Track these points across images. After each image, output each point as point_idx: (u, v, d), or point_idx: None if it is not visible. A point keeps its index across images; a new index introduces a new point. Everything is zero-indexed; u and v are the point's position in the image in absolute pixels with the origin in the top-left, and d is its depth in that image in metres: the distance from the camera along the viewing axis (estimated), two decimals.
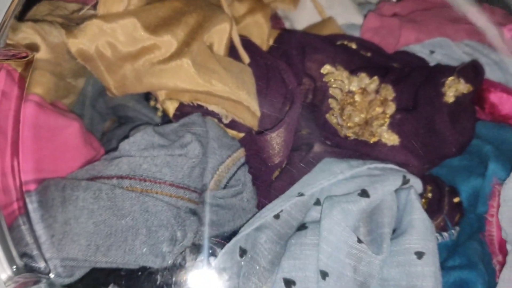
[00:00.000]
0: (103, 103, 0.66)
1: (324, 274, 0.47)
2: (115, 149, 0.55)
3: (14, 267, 0.44)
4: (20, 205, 0.46)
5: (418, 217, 0.48)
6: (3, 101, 0.43)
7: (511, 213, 0.47)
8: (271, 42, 0.69)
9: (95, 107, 0.66)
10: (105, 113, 0.67)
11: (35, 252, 0.46)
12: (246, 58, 0.60)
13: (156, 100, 0.61)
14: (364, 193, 0.49)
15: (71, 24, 0.55)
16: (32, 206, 0.46)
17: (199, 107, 0.56)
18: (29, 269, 0.45)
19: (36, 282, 0.45)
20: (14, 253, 0.45)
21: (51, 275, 0.46)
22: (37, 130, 0.48)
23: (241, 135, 0.58)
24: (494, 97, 0.58)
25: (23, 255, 0.46)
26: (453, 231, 0.53)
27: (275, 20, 0.76)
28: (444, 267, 0.50)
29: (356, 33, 0.70)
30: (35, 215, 0.46)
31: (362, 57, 0.63)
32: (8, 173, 0.45)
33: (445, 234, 0.53)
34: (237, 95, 0.56)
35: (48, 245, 0.47)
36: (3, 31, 0.41)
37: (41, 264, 0.46)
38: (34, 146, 0.47)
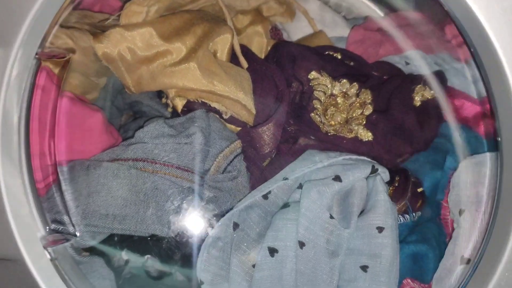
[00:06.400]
0: (121, 99, 0.76)
1: (301, 244, 0.57)
2: (131, 137, 0.65)
3: (47, 228, 0.55)
4: (54, 179, 0.56)
5: (381, 199, 0.57)
6: (43, 95, 0.53)
7: (456, 197, 0.56)
8: (268, 49, 0.79)
9: (114, 102, 0.76)
10: (122, 108, 0.77)
11: (64, 218, 0.56)
12: (244, 63, 0.70)
13: (167, 97, 0.71)
14: (337, 178, 0.59)
15: (97, 31, 0.65)
16: (62, 180, 0.57)
17: (203, 104, 0.66)
18: (59, 231, 0.56)
19: (65, 241, 0.55)
20: (48, 218, 0.55)
21: (77, 237, 0.56)
22: (69, 119, 0.58)
23: (238, 129, 0.67)
24: (457, 102, 0.68)
25: (54, 220, 0.56)
26: (413, 214, 0.62)
27: (275, 31, 0.86)
28: (403, 242, 0.60)
29: (344, 45, 0.79)
30: (65, 188, 0.57)
31: (346, 65, 0.73)
32: (46, 153, 0.55)
33: (406, 216, 0.62)
34: (236, 95, 0.65)
35: (75, 213, 0.57)
36: (48, 36, 0.51)
37: (70, 228, 0.56)
38: (66, 131, 0.58)
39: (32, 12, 0.47)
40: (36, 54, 0.50)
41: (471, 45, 0.47)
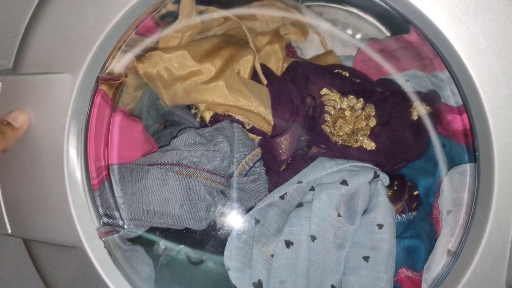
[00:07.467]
0: (155, 110, 0.86)
1: (313, 238, 0.67)
2: (167, 145, 0.76)
3: (101, 221, 0.65)
4: (105, 174, 0.67)
5: (381, 201, 0.67)
6: (98, 112, 0.64)
7: (444, 200, 0.66)
8: (285, 66, 0.89)
9: (149, 112, 0.87)
10: (155, 117, 0.88)
11: (114, 212, 0.67)
12: (264, 81, 0.80)
13: (196, 108, 0.81)
14: (344, 183, 0.69)
15: (139, 53, 0.75)
16: (113, 180, 0.68)
17: (229, 116, 0.76)
18: (109, 224, 0.66)
19: (115, 233, 0.66)
20: (101, 211, 0.66)
21: (125, 229, 0.67)
22: (118, 131, 0.69)
23: (258, 138, 0.77)
24: (449, 116, 0.78)
25: (105, 214, 0.67)
26: (409, 214, 0.73)
27: (289, 48, 0.96)
28: (400, 237, 0.70)
29: (351, 63, 0.90)
30: (114, 188, 0.68)
31: (353, 82, 0.83)
32: (101, 158, 0.66)
33: (403, 215, 0.72)
34: (257, 109, 0.75)
35: (122, 208, 0.68)
36: (108, 63, 0.61)
37: (119, 221, 0.67)
38: (116, 141, 0.69)
39: (96, 44, 0.57)
40: (97, 78, 0.60)
41: (448, 66, 0.56)
